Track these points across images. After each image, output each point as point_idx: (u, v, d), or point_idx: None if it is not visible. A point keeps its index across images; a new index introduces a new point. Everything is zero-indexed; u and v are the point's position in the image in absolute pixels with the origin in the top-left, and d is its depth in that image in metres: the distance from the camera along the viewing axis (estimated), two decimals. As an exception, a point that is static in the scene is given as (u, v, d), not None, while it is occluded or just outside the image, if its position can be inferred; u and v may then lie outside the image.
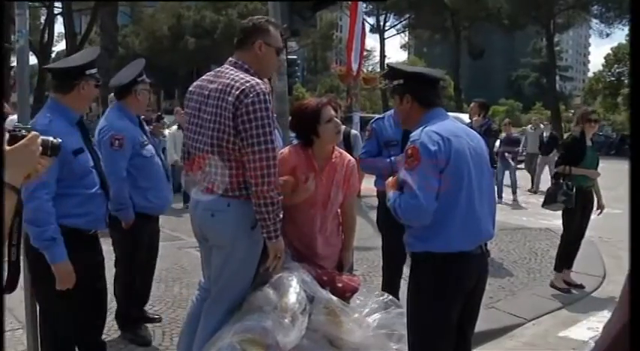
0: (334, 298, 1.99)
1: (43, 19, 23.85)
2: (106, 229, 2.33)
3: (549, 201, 3.90)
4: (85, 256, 2.07)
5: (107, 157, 2.54)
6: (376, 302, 2.10)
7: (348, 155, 2.28)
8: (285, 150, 2.19)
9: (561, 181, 3.83)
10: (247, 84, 1.86)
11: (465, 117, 7.60)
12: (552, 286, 3.91)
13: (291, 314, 1.86)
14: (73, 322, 2.08)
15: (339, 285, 2.08)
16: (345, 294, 2.08)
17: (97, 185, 2.08)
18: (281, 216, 1.93)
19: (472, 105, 5.13)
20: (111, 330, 2.86)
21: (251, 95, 1.84)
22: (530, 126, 10.25)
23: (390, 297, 2.17)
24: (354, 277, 2.30)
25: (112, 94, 2.94)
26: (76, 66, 2.08)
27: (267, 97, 1.86)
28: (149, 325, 2.95)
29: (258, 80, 1.90)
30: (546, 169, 8.85)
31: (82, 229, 2.05)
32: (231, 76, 1.91)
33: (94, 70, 2.09)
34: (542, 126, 9.82)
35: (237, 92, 1.85)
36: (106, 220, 2.17)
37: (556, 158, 9.15)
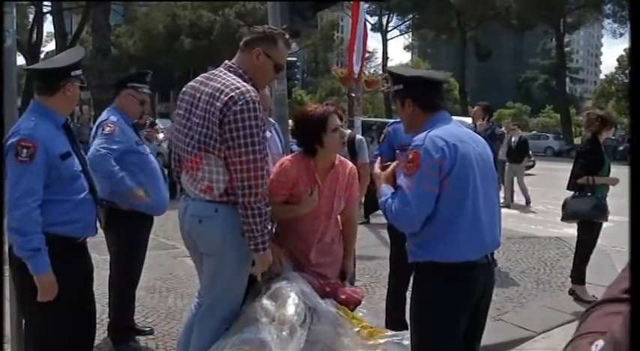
0: (334, 309, 1.92)
1: (31, 17, 23.39)
2: (96, 234, 2.25)
3: (573, 216, 3.68)
4: (75, 265, 2.00)
5: (98, 139, 2.57)
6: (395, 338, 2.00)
7: (349, 163, 2.24)
8: (286, 160, 2.12)
9: (589, 194, 3.63)
10: (237, 90, 1.81)
11: (469, 121, 7.30)
12: (578, 299, 3.75)
13: (290, 327, 1.80)
14: (62, 336, 1.99)
15: (342, 297, 2.03)
16: (348, 306, 2.03)
17: (86, 190, 2.01)
18: (269, 227, 1.87)
19: (475, 109, 5.01)
20: (102, 343, 2.77)
21: (239, 103, 1.78)
22: (503, 129, 8.79)
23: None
24: (357, 288, 2.26)
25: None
26: (62, 67, 2.01)
27: (256, 105, 1.81)
28: (142, 338, 2.87)
29: (249, 87, 1.84)
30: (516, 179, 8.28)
31: (71, 237, 1.97)
32: (223, 81, 1.86)
33: (79, 71, 2.03)
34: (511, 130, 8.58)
35: (226, 98, 1.80)
36: (96, 226, 2.10)
37: (525, 167, 8.32)
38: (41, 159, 1.84)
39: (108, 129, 2.61)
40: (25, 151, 1.82)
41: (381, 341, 1.92)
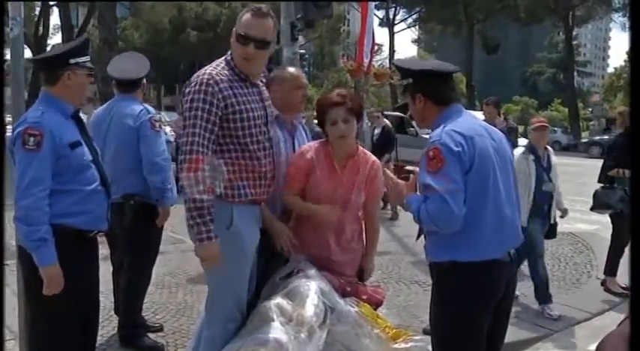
0: (354, 309, 1.87)
1: (38, 10, 23.12)
2: (107, 228, 2.19)
3: (600, 206, 3.83)
4: (86, 258, 1.96)
5: (151, 140, 2.56)
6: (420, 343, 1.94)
7: (372, 156, 2.14)
8: (305, 146, 2.11)
9: (615, 185, 3.77)
10: (196, 74, 1.81)
11: (479, 115, 7.07)
12: (607, 290, 3.86)
13: (308, 328, 1.73)
14: (69, 333, 1.94)
15: (364, 297, 1.98)
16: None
17: (97, 181, 1.96)
18: (208, 218, 1.75)
19: (488, 107, 4.88)
20: (111, 340, 2.74)
21: (192, 84, 1.79)
22: (366, 121, 6.88)
23: None
24: (378, 288, 2.21)
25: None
26: (57, 55, 1.97)
27: (204, 87, 1.76)
28: (152, 334, 2.81)
29: (210, 70, 1.80)
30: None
31: (82, 230, 1.92)
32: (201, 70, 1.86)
33: (81, 59, 1.96)
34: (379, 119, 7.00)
35: (187, 84, 1.81)
36: (108, 218, 2.04)
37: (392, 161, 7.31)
38: (48, 147, 1.80)
39: (158, 125, 2.59)
40: (32, 139, 1.79)
41: (406, 345, 1.86)
